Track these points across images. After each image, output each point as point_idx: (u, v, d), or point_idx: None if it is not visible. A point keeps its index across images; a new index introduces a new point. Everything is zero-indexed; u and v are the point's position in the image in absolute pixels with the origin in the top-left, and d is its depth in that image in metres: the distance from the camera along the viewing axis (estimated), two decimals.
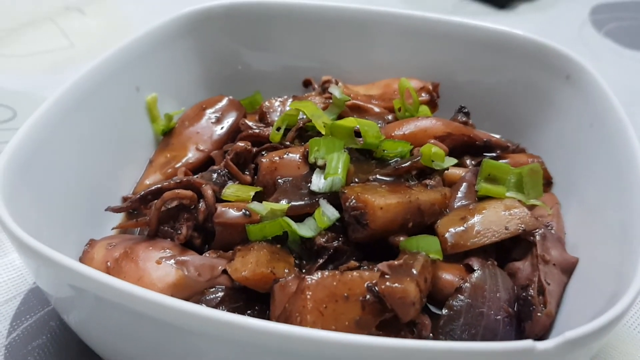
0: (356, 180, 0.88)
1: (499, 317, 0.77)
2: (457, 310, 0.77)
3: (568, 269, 0.82)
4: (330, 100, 1.06)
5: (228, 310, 0.78)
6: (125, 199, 0.97)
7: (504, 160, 0.99)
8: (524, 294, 0.79)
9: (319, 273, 0.74)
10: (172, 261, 0.79)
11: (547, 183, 1.00)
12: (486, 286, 0.78)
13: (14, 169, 0.78)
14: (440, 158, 0.91)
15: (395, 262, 0.75)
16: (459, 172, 0.95)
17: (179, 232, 0.83)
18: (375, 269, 0.75)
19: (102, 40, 1.51)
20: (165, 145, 1.05)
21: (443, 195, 0.86)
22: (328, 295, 0.72)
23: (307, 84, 1.19)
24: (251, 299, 0.80)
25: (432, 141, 0.94)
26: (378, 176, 0.89)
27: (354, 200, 0.81)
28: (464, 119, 1.02)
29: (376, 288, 0.72)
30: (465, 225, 0.83)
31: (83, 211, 0.91)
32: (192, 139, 1.04)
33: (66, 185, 0.88)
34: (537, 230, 0.83)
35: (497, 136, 1.06)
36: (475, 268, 0.80)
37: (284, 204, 0.85)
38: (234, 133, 1.05)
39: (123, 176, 1.01)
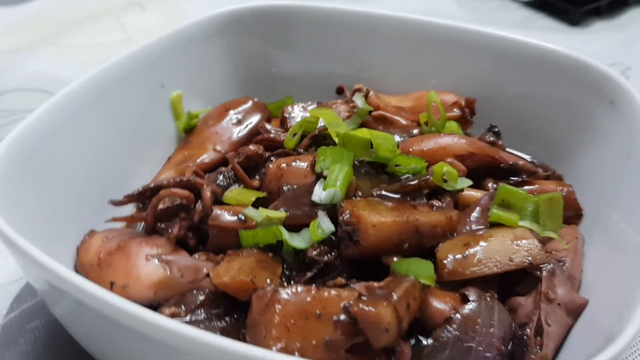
0: (359, 194, 0.84)
1: (488, 354, 0.71)
2: (443, 342, 0.72)
3: (575, 310, 0.75)
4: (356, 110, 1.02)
5: (207, 315, 0.76)
6: None
7: (530, 187, 0.92)
8: (520, 333, 0.72)
9: (294, 287, 0.71)
10: (158, 260, 0.79)
11: (577, 215, 0.92)
12: (479, 319, 0.73)
13: (15, 156, 0.80)
14: (453, 178, 0.85)
15: (376, 284, 0.71)
16: (477, 194, 0.89)
17: (170, 230, 0.82)
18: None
19: None
20: (185, 143, 1.05)
21: (448, 218, 0.81)
22: (299, 311, 0.69)
23: (340, 91, 1.16)
24: (233, 306, 0.77)
25: (449, 160, 0.89)
26: (383, 192, 0.85)
27: (348, 215, 0.78)
28: (491, 139, 0.96)
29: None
30: (467, 252, 0.77)
31: (94, 201, 0.92)
32: (211, 138, 1.03)
33: (75, 175, 0.89)
34: (545, 265, 0.76)
35: (527, 158, 0.99)
36: (470, 299, 0.75)
37: (282, 212, 0.83)
38: (254, 136, 1.04)
39: (141, 170, 1.02)
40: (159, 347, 0.63)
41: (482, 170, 0.93)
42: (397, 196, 0.84)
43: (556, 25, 1.71)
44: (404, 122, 1.05)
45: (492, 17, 1.75)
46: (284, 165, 0.90)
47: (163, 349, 0.63)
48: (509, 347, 0.72)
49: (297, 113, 1.03)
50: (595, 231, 0.87)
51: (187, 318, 0.76)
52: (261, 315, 0.70)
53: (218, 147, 1.02)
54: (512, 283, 0.79)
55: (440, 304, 0.75)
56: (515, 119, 1.08)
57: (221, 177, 0.92)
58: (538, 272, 0.76)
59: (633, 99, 0.91)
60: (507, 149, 1.08)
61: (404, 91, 1.15)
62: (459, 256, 0.77)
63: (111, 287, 0.80)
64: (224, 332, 0.75)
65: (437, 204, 0.83)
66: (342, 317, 0.68)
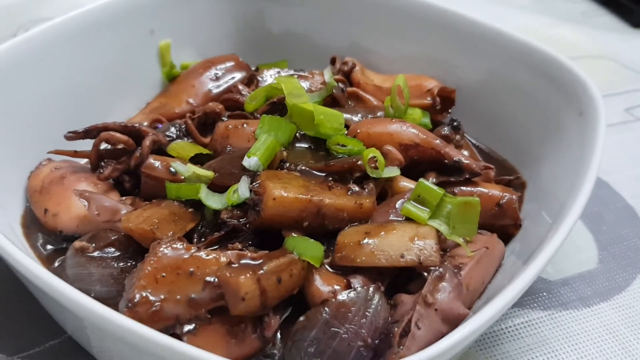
0: (286, 166, 0.86)
1: (353, 344, 0.71)
2: (313, 322, 0.72)
3: (452, 320, 0.73)
4: None
5: (112, 254, 0.81)
6: None
7: (473, 188, 0.89)
8: (387, 330, 0.72)
9: (177, 243, 0.74)
10: (80, 195, 0.84)
11: (515, 225, 0.88)
12: (353, 308, 0.73)
13: None
14: (380, 165, 0.84)
15: (248, 254, 0.73)
16: (412, 186, 0.88)
17: (101, 170, 0.88)
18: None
19: None
20: (164, 92, 1.10)
21: (357, 205, 0.80)
22: (172, 265, 0.72)
23: (333, 61, 1.16)
24: (139, 251, 0.82)
25: (387, 147, 0.87)
26: (309, 168, 0.85)
27: (258, 184, 0.80)
28: (446, 133, 0.93)
29: None
30: (364, 240, 0.77)
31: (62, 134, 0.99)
32: (187, 91, 1.07)
33: (45, 107, 0.96)
34: (436, 268, 0.75)
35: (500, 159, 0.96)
36: (353, 286, 0.75)
37: (210, 171, 0.86)
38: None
39: (118, 112, 1.06)
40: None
41: (427, 164, 0.91)
42: (321, 174, 0.85)
43: (616, 25, 1.59)
44: (375, 102, 1.04)
45: (551, 7, 1.65)
46: (230, 126, 0.92)
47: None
48: (376, 341, 0.72)
49: (268, 78, 1.04)
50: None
51: (95, 254, 0.81)
52: (141, 264, 0.74)
53: (191, 100, 1.06)
54: (408, 280, 0.79)
55: (323, 285, 0.76)
56: (497, 117, 1.04)
57: (173, 129, 0.96)
58: (426, 274, 0.75)
59: (598, 115, 0.85)
60: (485, 148, 1.06)
61: (395, 70, 1.13)
62: (353, 243, 0.77)
63: (45, 213, 0.88)
64: (122, 272, 0.79)
65: (354, 189, 0.82)
66: (213, 279, 0.71)
